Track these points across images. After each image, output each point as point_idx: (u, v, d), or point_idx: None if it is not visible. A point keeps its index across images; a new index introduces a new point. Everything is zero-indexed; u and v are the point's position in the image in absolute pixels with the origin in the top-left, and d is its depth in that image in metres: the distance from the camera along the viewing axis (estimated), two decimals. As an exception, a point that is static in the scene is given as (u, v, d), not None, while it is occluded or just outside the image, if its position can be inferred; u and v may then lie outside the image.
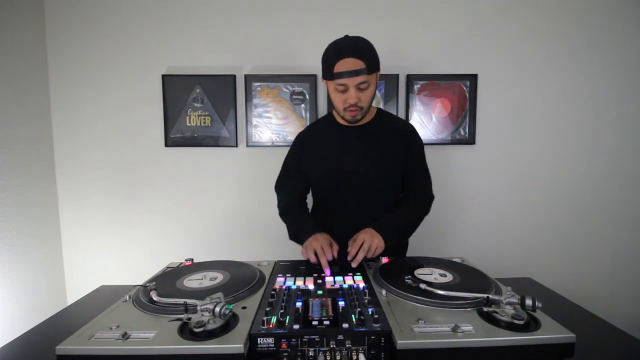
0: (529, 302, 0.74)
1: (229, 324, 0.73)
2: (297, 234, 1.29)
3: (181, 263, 1.16)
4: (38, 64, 1.94)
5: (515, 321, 0.72)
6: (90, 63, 1.99)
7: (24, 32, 1.84)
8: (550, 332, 0.71)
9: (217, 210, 2.08)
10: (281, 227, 2.11)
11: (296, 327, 0.72)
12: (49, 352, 0.78)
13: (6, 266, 1.72)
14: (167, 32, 1.98)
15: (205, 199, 2.07)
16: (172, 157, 2.04)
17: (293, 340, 0.70)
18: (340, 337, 0.70)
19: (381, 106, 1.97)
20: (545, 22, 1.99)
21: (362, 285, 0.94)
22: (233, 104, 1.99)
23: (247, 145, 2.02)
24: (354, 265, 1.08)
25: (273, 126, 2.01)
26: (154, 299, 0.81)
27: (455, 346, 0.68)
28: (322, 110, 2.01)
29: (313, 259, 1.11)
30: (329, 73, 1.15)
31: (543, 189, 2.08)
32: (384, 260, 1.13)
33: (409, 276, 0.94)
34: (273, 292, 0.88)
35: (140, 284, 0.95)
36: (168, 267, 1.14)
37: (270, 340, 0.70)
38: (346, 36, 1.19)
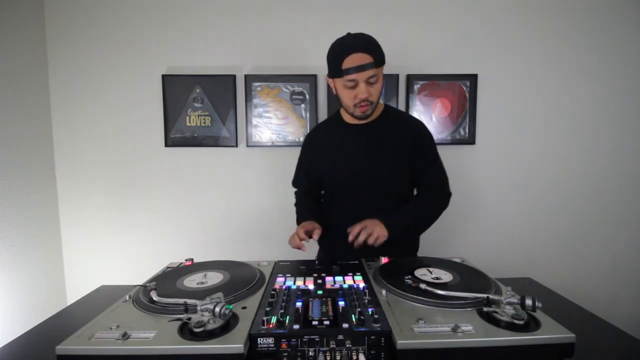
0: (529, 302, 0.74)
1: (229, 324, 0.73)
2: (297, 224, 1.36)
3: (181, 263, 1.16)
4: (38, 64, 1.94)
5: (515, 321, 0.72)
6: (90, 63, 1.99)
7: (24, 32, 1.84)
8: (550, 332, 0.71)
9: (217, 210, 2.08)
10: (281, 227, 2.12)
11: (296, 327, 0.72)
12: (49, 352, 0.77)
13: (6, 266, 1.72)
14: (167, 32, 1.98)
15: (205, 199, 2.07)
16: (172, 157, 2.05)
17: (293, 340, 0.70)
18: (340, 337, 0.70)
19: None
20: (545, 22, 1.99)
21: (362, 285, 0.94)
22: (233, 104, 1.99)
23: (247, 145, 2.02)
24: (356, 245, 1.13)
25: (273, 126, 2.01)
26: (154, 299, 0.81)
27: (455, 346, 0.68)
28: (322, 110, 2.01)
29: (291, 245, 1.21)
30: (337, 70, 1.15)
31: (543, 189, 2.08)
32: (384, 260, 1.13)
33: (409, 276, 0.94)
34: (273, 292, 0.87)
35: (140, 284, 0.95)
36: (168, 267, 1.14)
37: (270, 340, 0.70)
38: (349, 33, 1.19)
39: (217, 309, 0.71)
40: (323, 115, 2.01)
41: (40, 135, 1.95)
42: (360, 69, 1.12)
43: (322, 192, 1.46)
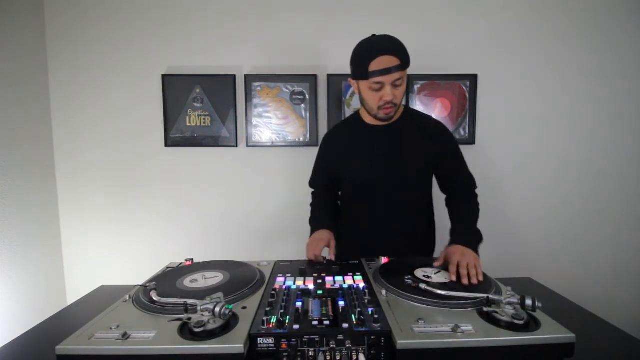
0: (529, 302, 0.74)
1: (229, 324, 0.73)
2: (310, 227, 1.37)
3: (181, 263, 1.16)
4: (38, 64, 1.94)
5: (515, 321, 0.72)
6: (90, 63, 1.99)
7: (24, 32, 1.84)
8: (550, 332, 0.71)
9: (217, 210, 2.08)
10: (281, 227, 2.12)
11: (296, 327, 0.72)
12: (49, 352, 0.77)
13: (6, 266, 1.72)
14: (167, 32, 1.98)
15: (205, 199, 2.07)
16: (172, 157, 2.04)
17: (293, 340, 0.70)
18: (340, 337, 0.70)
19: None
20: (545, 22, 1.99)
21: (362, 285, 0.94)
22: (233, 104, 1.99)
23: (247, 145, 2.02)
24: (473, 281, 0.96)
25: (273, 126, 2.01)
26: (154, 299, 0.81)
27: (455, 346, 0.68)
28: (322, 110, 2.01)
29: (308, 256, 1.20)
30: (363, 72, 1.14)
31: (543, 189, 2.08)
32: (384, 260, 1.13)
33: (409, 276, 0.94)
34: (273, 292, 0.88)
35: (140, 284, 0.95)
36: (168, 267, 1.14)
37: (270, 340, 0.70)
38: (374, 35, 1.19)
39: (217, 309, 0.71)
40: (323, 115, 2.01)
41: (40, 135, 1.95)
42: (387, 71, 1.11)
43: (340, 192, 1.45)
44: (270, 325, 0.73)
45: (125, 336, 0.69)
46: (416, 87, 1.98)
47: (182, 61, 2.00)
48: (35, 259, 1.88)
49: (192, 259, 1.15)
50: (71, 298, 2.07)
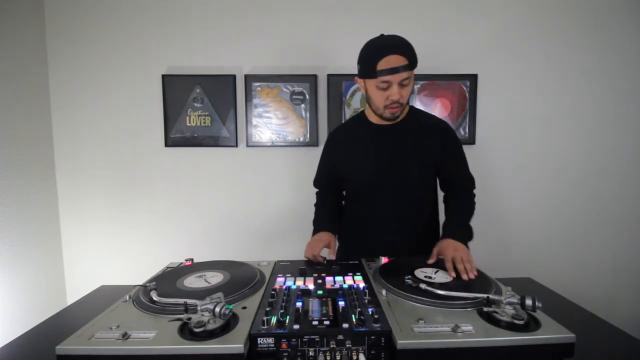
0: (529, 302, 0.74)
1: (229, 324, 0.73)
2: (313, 227, 1.38)
3: (181, 263, 1.16)
4: (38, 64, 1.94)
5: (515, 321, 0.72)
6: (90, 63, 1.99)
7: (24, 32, 1.84)
8: (550, 332, 0.71)
9: (217, 210, 2.08)
10: (281, 227, 2.12)
11: (296, 327, 0.72)
12: (49, 352, 0.77)
13: (6, 266, 1.71)
14: (167, 32, 1.98)
15: (205, 199, 2.07)
16: (172, 157, 2.04)
17: (293, 340, 0.70)
18: (340, 337, 0.70)
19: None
20: (545, 22, 1.99)
21: (362, 285, 0.94)
22: (233, 104, 1.99)
23: (247, 145, 2.02)
24: (471, 276, 0.98)
25: (273, 126, 2.01)
26: (154, 299, 0.81)
27: (455, 346, 0.68)
28: (322, 110, 2.01)
29: (307, 256, 1.20)
30: (370, 71, 1.14)
31: (543, 189, 2.08)
32: (384, 260, 1.13)
33: (409, 276, 0.94)
34: (273, 292, 0.88)
35: (140, 284, 0.95)
36: (168, 267, 1.14)
37: (270, 340, 0.70)
38: (382, 35, 1.19)
39: (217, 309, 0.71)
40: (323, 115, 2.01)
41: (40, 135, 1.95)
42: (394, 70, 1.11)
43: (344, 192, 1.45)
44: (271, 325, 0.73)
45: (125, 336, 0.69)
46: (416, 87, 1.98)
47: (182, 61, 2.00)
48: (35, 259, 1.88)
49: (192, 259, 1.16)
50: (71, 298, 2.07)
